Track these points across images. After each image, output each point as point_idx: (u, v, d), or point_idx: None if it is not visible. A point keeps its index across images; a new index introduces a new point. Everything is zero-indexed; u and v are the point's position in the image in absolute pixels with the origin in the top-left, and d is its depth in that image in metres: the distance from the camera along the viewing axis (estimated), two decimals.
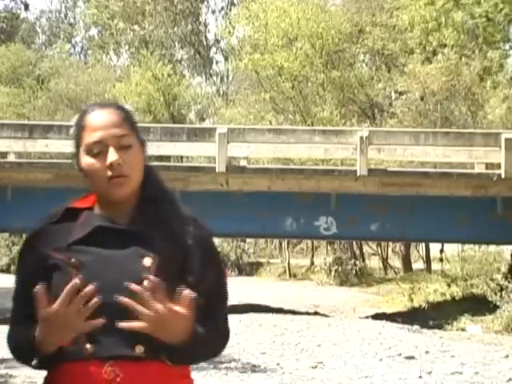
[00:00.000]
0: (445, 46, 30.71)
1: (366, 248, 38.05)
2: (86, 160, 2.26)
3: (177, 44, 50.28)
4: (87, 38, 55.81)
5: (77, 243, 2.23)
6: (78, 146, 2.29)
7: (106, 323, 2.09)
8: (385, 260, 37.10)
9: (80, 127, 2.28)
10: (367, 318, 20.04)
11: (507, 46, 32.49)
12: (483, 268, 22.64)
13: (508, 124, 26.67)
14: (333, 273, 33.23)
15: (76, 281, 2.08)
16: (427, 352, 12.56)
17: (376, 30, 33.22)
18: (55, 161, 20.81)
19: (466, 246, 27.02)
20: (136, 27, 47.98)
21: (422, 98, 29.89)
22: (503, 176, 18.16)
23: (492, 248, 23.86)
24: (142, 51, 44.13)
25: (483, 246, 24.18)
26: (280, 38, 33.69)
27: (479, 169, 19.20)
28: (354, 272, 33.63)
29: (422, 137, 19.38)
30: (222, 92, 49.06)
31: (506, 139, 18.25)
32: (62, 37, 55.40)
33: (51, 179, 18.89)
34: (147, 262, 2.19)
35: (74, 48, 55.96)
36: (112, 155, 2.22)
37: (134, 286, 2.08)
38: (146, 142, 2.36)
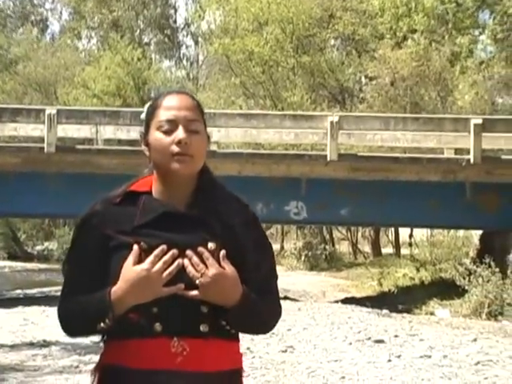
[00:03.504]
0: (415, 31, 30.82)
1: (335, 233, 38.20)
2: (156, 135, 2.36)
3: (146, 28, 49.96)
4: (58, 21, 55.23)
5: (142, 227, 2.31)
6: (148, 123, 2.39)
7: (174, 298, 2.24)
8: (354, 245, 37.29)
9: (155, 106, 2.40)
10: (337, 302, 20.10)
11: (476, 32, 32.70)
12: (452, 252, 22.79)
13: (477, 109, 26.83)
14: (303, 257, 33.31)
15: (164, 246, 2.24)
16: (396, 336, 12.63)
17: (346, 15, 33.24)
18: (24, 145, 20.61)
19: (435, 231, 27.20)
20: (104, 10, 47.57)
21: (391, 83, 29.97)
22: (472, 161, 18.27)
23: (460, 233, 24.02)
24: (111, 34, 43.83)
25: (452, 231, 24.33)
26: (250, 22, 33.63)
27: (448, 154, 19.32)
28: (323, 257, 33.75)
29: (391, 122, 19.43)
30: (192, 76, 48.86)
31: (475, 124, 18.34)
32: (32, 20, 54.62)
33: (20, 163, 18.73)
34: (212, 246, 2.27)
35: (43, 31, 55.22)
36: (181, 133, 2.33)
37: (200, 248, 2.25)
38: (210, 139, 2.46)
